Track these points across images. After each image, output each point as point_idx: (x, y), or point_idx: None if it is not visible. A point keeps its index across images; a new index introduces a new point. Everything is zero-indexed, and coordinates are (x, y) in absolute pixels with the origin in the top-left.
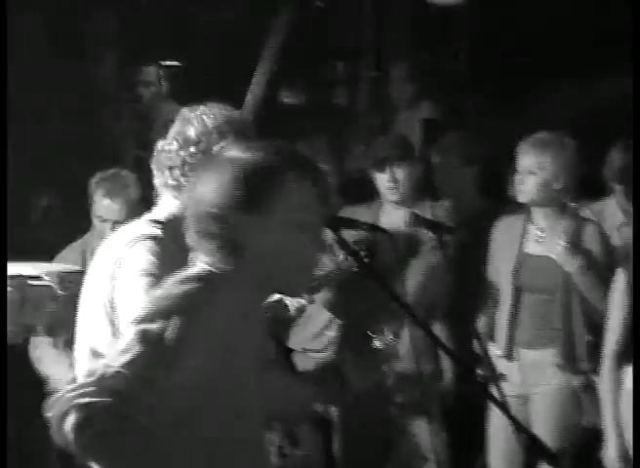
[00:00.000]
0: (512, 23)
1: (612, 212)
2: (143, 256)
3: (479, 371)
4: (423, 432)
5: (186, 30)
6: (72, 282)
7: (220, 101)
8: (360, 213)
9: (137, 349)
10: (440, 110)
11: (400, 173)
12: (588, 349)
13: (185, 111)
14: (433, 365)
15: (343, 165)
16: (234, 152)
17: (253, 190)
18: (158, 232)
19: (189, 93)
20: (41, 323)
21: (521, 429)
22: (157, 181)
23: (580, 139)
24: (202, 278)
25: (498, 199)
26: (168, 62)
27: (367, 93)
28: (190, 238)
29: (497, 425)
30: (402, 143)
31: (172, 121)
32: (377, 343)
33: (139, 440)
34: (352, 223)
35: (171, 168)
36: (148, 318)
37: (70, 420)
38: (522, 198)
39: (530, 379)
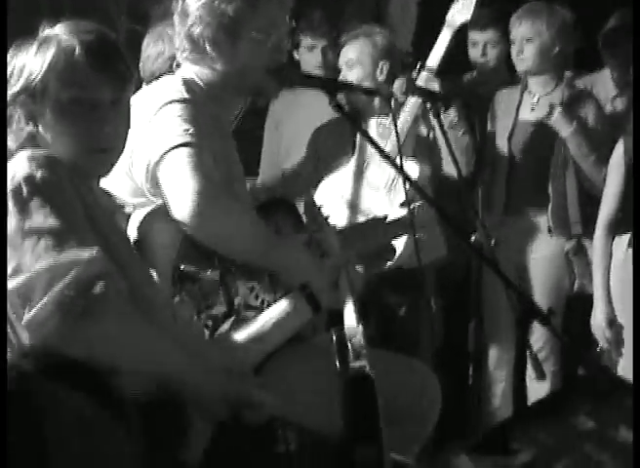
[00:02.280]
0: None
1: (604, 83)
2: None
3: (473, 238)
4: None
5: None
6: None
7: None
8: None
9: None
10: None
11: None
12: (581, 214)
13: None
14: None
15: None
16: None
17: None
18: (187, 95)
19: None
20: None
21: (513, 289)
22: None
23: (579, 9)
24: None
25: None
26: None
27: None
28: None
29: (490, 288)
30: None
31: None
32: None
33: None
34: (349, 87)
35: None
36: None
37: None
38: (520, 66)
39: (524, 245)
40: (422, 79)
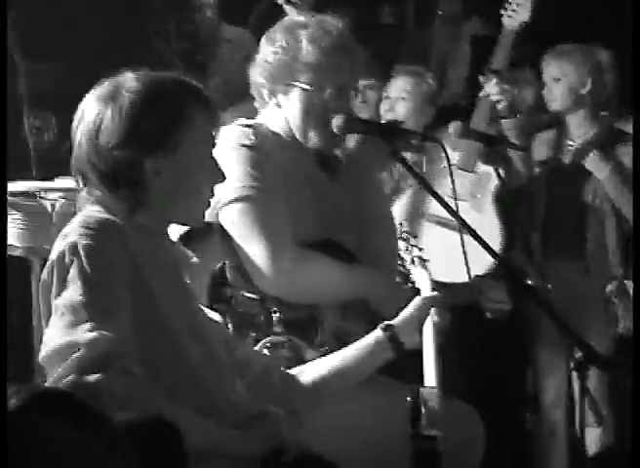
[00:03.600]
0: None
1: None
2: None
3: (529, 282)
4: None
5: None
6: None
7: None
8: None
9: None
10: (490, 27)
11: None
12: (620, 255)
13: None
14: None
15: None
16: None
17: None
18: (254, 139)
19: (240, 13)
20: None
21: (570, 334)
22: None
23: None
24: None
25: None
26: None
27: (415, 9)
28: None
29: (546, 335)
30: None
31: (225, 40)
32: None
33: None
34: (404, 133)
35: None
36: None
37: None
38: (553, 106)
39: (564, 289)
40: (492, 84)
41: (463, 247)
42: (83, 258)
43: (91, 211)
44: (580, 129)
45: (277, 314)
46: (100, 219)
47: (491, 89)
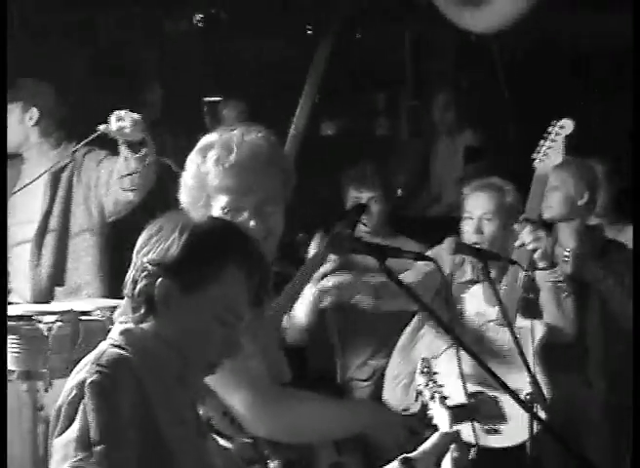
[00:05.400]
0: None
1: None
2: None
3: (528, 396)
4: None
5: (229, 64)
6: None
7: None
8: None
9: None
10: (482, 138)
11: None
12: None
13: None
14: None
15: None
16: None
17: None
18: None
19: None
20: None
21: (572, 452)
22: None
23: None
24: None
25: None
26: (211, 98)
27: (409, 122)
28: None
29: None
30: None
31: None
32: None
33: None
34: (398, 253)
35: None
36: None
37: None
38: (547, 214)
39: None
40: (527, 233)
41: (460, 366)
42: (91, 395)
43: (108, 345)
44: (572, 238)
45: (273, 458)
46: (114, 358)
47: (526, 237)
